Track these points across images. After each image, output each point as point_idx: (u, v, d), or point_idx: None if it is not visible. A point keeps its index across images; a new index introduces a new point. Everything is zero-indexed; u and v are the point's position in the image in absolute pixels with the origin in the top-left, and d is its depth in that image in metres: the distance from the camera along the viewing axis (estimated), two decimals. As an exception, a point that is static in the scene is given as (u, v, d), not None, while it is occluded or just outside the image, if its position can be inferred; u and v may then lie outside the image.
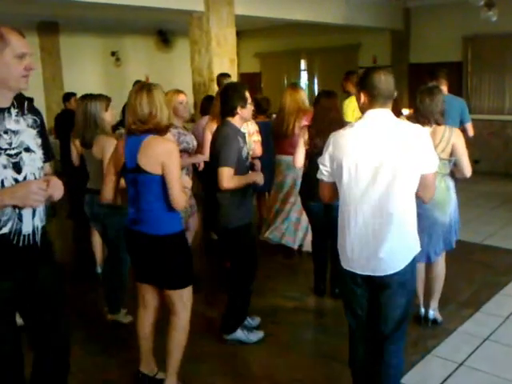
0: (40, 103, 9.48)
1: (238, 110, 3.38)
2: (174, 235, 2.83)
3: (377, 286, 2.48)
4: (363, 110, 2.50)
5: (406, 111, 9.56)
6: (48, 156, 2.29)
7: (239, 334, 3.63)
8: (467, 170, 3.47)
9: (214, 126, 3.96)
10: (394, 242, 2.39)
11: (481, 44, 9.38)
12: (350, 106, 5.48)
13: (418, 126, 2.51)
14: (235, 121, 3.41)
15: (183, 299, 2.90)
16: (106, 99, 3.80)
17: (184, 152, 4.02)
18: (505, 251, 5.30)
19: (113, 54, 11.05)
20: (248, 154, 3.50)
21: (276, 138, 5.24)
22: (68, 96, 7.31)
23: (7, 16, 8.19)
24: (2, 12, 7.36)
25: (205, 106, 5.51)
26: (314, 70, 12.00)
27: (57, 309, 2.33)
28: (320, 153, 2.60)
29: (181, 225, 2.91)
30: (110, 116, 3.82)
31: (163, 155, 2.65)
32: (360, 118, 2.52)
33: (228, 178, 3.24)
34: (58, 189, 2.12)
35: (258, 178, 3.44)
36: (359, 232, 2.42)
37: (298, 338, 3.80)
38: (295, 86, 5.60)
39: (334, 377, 3.21)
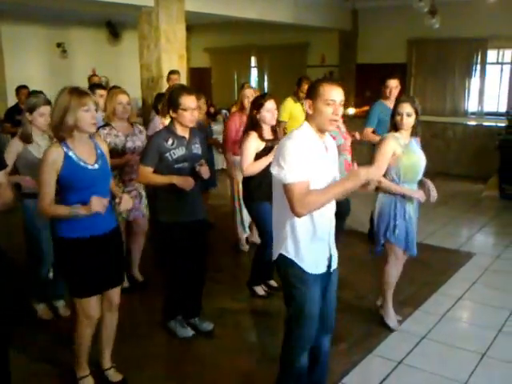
0: (-20, 95, 9.18)
1: (171, 113, 3.48)
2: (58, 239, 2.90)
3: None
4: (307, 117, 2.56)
5: (351, 110, 9.79)
6: None
7: (171, 324, 3.81)
8: None
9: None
10: None
11: (424, 47, 9.68)
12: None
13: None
14: (173, 123, 3.51)
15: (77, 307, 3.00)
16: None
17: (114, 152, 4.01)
18: (444, 250, 5.54)
19: (58, 45, 10.68)
20: (185, 157, 3.50)
21: None
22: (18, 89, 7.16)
23: None
24: None
25: (157, 103, 5.49)
26: (263, 67, 12.06)
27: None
28: None
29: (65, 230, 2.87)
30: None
31: None
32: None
33: (142, 174, 3.51)
34: None
35: (181, 182, 3.43)
36: None
37: (245, 341, 3.85)
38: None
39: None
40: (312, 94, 2.48)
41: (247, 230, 5.51)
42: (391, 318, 3.91)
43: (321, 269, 2.62)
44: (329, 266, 2.65)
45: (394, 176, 3.61)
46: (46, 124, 3.70)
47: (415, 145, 3.70)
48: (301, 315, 2.65)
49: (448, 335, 3.81)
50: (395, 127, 3.64)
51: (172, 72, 6.51)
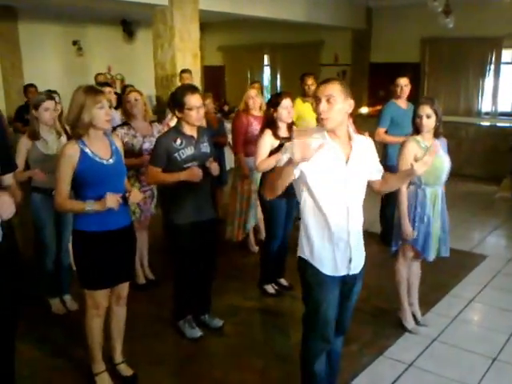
0: (-2, 92, 9.30)
1: (177, 113, 3.52)
2: (77, 232, 2.97)
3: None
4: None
5: (364, 109, 9.78)
6: (6, 168, 2.20)
7: (180, 324, 3.82)
8: None
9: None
10: None
11: (438, 46, 9.63)
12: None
13: None
14: (181, 123, 3.54)
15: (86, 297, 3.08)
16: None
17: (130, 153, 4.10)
18: (455, 252, 5.44)
19: (74, 43, 10.77)
20: (194, 156, 3.52)
21: None
22: (26, 88, 7.19)
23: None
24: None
25: (170, 102, 5.52)
26: (276, 65, 12.05)
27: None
28: None
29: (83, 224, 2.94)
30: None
31: None
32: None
33: (150, 175, 3.56)
34: (6, 208, 2.00)
35: (188, 175, 3.43)
36: None
37: (255, 339, 3.87)
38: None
39: (287, 379, 3.28)
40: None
41: (247, 230, 5.47)
42: (407, 320, 3.91)
43: (340, 271, 2.60)
44: (349, 269, 2.61)
45: (415, 179, 3.60)
46: (51, 118, 3.86)
47: (439, 147, 3.63)
48: (316, 317, 2.66)
49: (459, 338, 3.81)
50: (417, 130, 3.63)
51: (183, 71, 6.55)
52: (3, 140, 2.22)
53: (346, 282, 2.66)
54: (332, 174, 2.48)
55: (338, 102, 2.43)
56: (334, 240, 2.55)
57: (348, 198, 2.53)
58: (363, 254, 2.72)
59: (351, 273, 2.63)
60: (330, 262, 2.57)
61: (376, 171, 2.72)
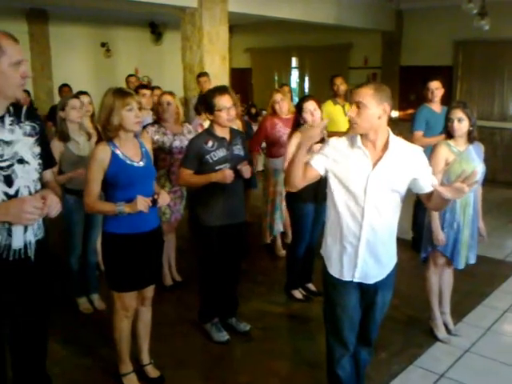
0: (28, 92, 9.40)
1: (208, 116, 3.53)
2: (106, 234, 2.96)
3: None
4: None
5: (395, 113, 9.63)
6: (48, 163, 2.22)
7: (207, 327, 3.80)
8: None
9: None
10: None
11: (471, 49, 9.42)
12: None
13: None
14: (212, 125, 3.52)
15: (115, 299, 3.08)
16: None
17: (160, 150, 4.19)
18: (488, 260, 5.35)
19: (103, 44, 10.89)
20: (226, 158, 3.49)
21: None
22: (60, 88, 7.32)
23: (-3, 3, 8.10)
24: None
25: (198, 105, 5.53)
26: (304, 68, 11.98)
27: (36, 324, 2.27)
28: None
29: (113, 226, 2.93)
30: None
31: None
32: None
33: (182, 177, 3.54)
34: (54, 207, 2.03)
35: (220, 177, 3.39)
36: None
37: (283, 345, 3.82)
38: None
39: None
40: None
41: (275, 233, 5.44)
42: (439, 329, 3.81)
43: (345, 276, 2.57)
44: (354, 277, 2.57)
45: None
46: (78, 116, 3.91)
47: (473, 153, 3.53)
48: (331, 319, 2.67)
49: (493, 349, 3.68)
50: (450, 134, 3.54)
51: (200, 75, 6.52)
52: (45, 137, 2.24)
53: (365, 290, 2.61)
54: (353, 176, 2.46)
55: (369, 108, 2.38)
56: (343, 242, 2.54)
57: (366, 203, 2.46)
58: (388, 266, 2.63)
59: (359, 281, 2.57)
60: (336, 264, 2.59)
61: (422, 184, 2.52)
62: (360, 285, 2.59)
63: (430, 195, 2.53)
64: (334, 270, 2.59)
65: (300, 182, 2.51)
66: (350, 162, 2.46)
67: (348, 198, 2.48)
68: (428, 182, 2.49)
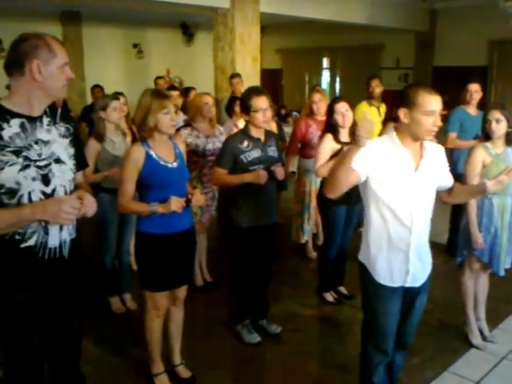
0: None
1: (244, 117, 3.53)
2: (140, 234, 2.97)
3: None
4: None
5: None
6: (80, 165, 2.26)
7: (239, 328, 3.79)
8: None
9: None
10: None
11: (507, 49, 9.23)
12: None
13: None
14: (248, 126, 3.52)
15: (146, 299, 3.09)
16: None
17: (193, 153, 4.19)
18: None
19: (135, 46, 11.02)
20: (260, 159, 3.48)
21: None
22: (92, 88, 7.44)
23: (32, 5, 8.26)
24: (27, 0, 7.38)
25: (229, 106, 5.53)
26: (335, 68, 11.90)
27: (71, 323, 2.28)
28: None
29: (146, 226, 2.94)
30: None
31: None
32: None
33: (216, 177, 3.55)
34: (91, 207, 2.05)
35: (254, 178, 3.38)
36: None
37: (313, 347, 3.80)
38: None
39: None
40: (408, 103, 2.35)
41: (306, 235, 5.40)
42: (474, 335, 3.73)
43: (395, 282, 2.51)
44: (406, 281, 2.52)
45: None
46: (119, 117, 4.01)
47: (511, 155, 3.47)
48: (373, 327, 2.59)
49: (531, 357, 3.59)
50: (487, 136, 3.48)
51: (233, 76, 6.53)
52: (78, 139, 2.28)
53: (408, 294, 2.57)
54: (399, 180, 2.40)
55: None
56: (392, 249, 2.47)
57: (414, 207, 2.43)
58: (428, 266, 2.61)
59: (409, 285, 2.52)
60: (385, 273, 2.51)
61: (445, 180, 2.59)
62: (405, 289, 2.55)
63: (446, 191, 2.61)
64: (382, 279, 2.51)
65: (345, 188, 2.38)
66: (393, 164, 2.39)
67: (394, 203, 2.42)
68: (450, 177, 2.59)
